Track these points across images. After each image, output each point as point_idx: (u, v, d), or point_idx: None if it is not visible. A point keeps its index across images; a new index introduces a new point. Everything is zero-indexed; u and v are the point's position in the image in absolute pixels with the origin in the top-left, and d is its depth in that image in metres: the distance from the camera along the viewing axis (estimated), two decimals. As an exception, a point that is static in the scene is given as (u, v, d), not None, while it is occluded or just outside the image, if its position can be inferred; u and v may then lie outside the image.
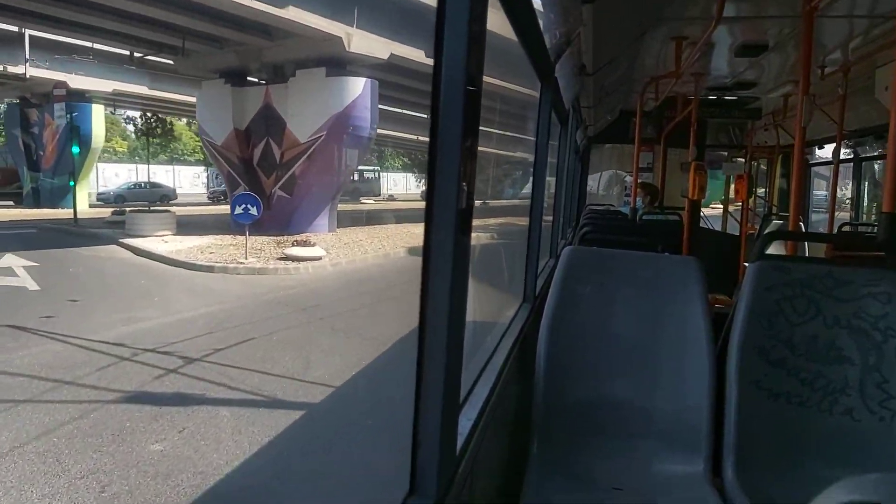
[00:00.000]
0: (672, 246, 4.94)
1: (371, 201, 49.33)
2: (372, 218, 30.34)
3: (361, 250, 20.22)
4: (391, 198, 56.14)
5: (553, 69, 2.99)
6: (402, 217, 29.16)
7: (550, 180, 4.61)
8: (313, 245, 18.54)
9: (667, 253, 3.24)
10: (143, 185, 42.91)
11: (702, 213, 8.41)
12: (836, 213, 6.28)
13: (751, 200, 9.20)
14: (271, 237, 21.20)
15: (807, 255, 5.41)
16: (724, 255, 6.76)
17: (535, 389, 2.54)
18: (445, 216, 1.22)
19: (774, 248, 2.98)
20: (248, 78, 25.59)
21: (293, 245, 18.47)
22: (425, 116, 34.14)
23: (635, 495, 2.28)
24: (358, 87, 23.52)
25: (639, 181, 6.80)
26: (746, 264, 2.57)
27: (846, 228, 6.91)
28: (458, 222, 1.22)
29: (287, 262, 17.31)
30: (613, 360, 2.59)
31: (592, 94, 4.71)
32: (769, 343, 2.40)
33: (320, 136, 23.14)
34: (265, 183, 24.41)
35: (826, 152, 7.96)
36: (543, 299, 2.73)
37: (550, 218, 5.15)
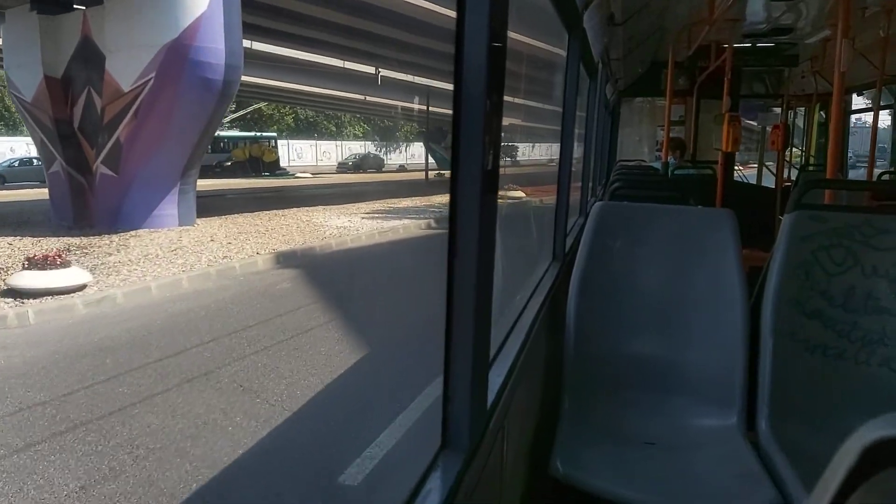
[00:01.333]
0: (705, 200, 4.86)
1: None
2: (283, 199, 23.48)
3: (197, 261, 12.11)
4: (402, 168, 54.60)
5: (580, 20, 2.92)
6: (338, 196, 24.19)
7: (580, 136, 4.55)
8: (67, 264, 10.13)
9: (699, 206, 3.19)
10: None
11: (736, 168, 8.24)
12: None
13: (787, 152, 8.98)
14: (87, 238, 14.38)
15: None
16: (759, 208, 6.63)
17: (565, 345, 2.55)
18: (471, 176, 1.21)
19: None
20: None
21: (28, 266, 9.95)
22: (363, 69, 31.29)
23: (668, 450, 2.29)
24: (201, -1, 15.22)
25: (670, 135, 6.67)
26: (782, 217, 2.52)
27: (886, 177, 6.72)
28: (484, 182, 1.21)
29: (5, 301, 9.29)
30: (644, 315, 2.58)
31: (622, 45, 4.60)
32: (805, 294, 2.36)
33: (148, 81, 15.18)
34: (89, 155, 16.55)
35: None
36: (573, 257, 2.72)
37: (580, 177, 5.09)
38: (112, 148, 15.96)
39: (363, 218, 18.34)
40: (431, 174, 37.58)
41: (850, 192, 5.26)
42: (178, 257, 12.36)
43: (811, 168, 8.48)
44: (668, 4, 4.56)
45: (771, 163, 9.86)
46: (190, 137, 16.04)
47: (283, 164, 48.67)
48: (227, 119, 47.99)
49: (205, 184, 30.08)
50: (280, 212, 19.15)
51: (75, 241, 13.98)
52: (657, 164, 7.24)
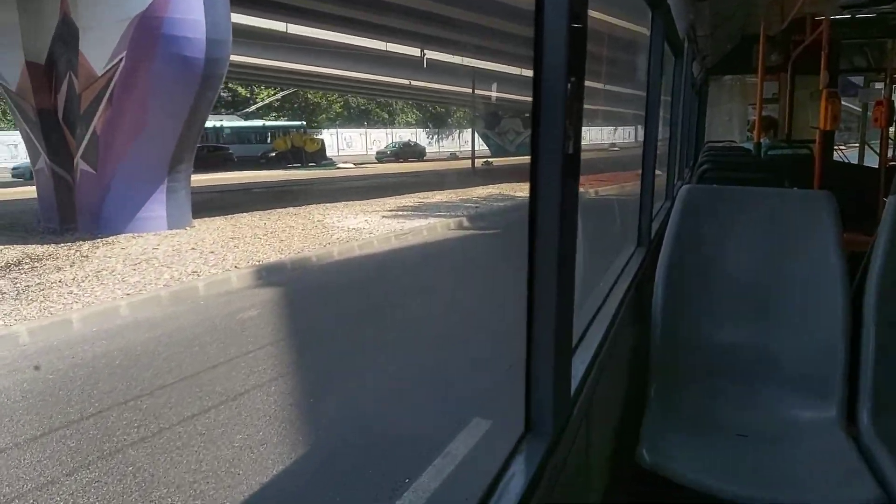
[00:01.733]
0: (801, 182, 4.63)
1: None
2: (307, 194, 21.62)
3: (157, 278, 9.74)
4: (454, 155, 53.01)
5: None
6: (369, 189, 22.70)
7: (665, 117, 4.41)
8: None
9: (794, 188, 3.05)
10: None
11: (837, 147, 7.79)
12: None
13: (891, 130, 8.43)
14: (56, 246, 12.47)
15: None
16: (861, 190, 6.25)
17: (651, 333, 2.49)
18: (551, 161, 1.20)
19: None
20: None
21: None
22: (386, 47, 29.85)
23: (761, 442, 2.20)
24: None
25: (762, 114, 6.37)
26: (887, 199, 2.37)
27: None
28: (565, 167, 1.20)
29: None
30: (736, 302, 2.48)
31: (709, 20, 4.42)
32: None
33: (119, 61, 13.25)
34: (72, 149, 14.57)
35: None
36: (659, 243, 2.65)
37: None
38: (90, 140, 13.84)
39: (384, 217, 15.83)
40: (479, 162, 35.98)
41: None
42: (138, 273, 9.98)
43: None
44: None
45: (875, 141, 9.29)
46: (173, 126, 13.89)
47: (332, 153, 48.04)
48: (255, 107, 48.54)
49: (238, 176, 30.28)
50: (295, 209, 16.95)
51: (41, 249, 11.95)
52: (748, 145, 6.93)
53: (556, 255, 1.22)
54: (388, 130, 57.05)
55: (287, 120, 48.86)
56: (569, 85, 1.18)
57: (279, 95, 49.38)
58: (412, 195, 20.28)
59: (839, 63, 7.16)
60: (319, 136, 46.26)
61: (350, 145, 52.67)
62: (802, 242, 2.42)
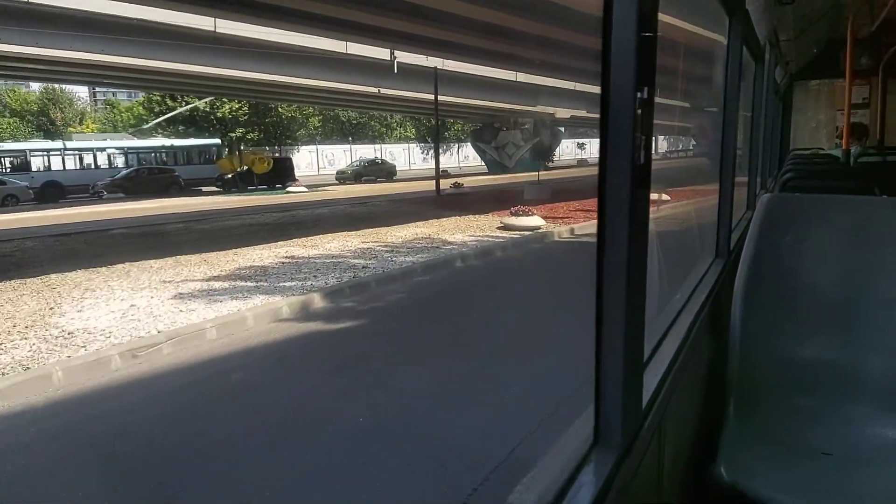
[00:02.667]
0: (894, 190, 4.40)
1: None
2: (177, 236, 16.98)
3: None
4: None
5: (743, 1, 2.76)
6: (274, 228, 17.55)
7: (746, 124, 4.29)
8: None
9: (884, 196, 2.90)
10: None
11: None
12: None
13: None
14: None
15: None
16: None
17: (730, 348, 2.42)
18: (620, 172, 1.19)
19: None
20: None
21: None
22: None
23: (848, 462, 2.10)
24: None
25: (850, 120, 6.10)
26: None
27: None
28: (635, 177, 1.19)
29: None
30: (820, 316, 2.38)
31: (792, 24, 4.28)
32: None
33: None
34: None
35: None
36: (738, 254, 2.58)
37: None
38: None
39: (183, 296, 8.96)
40: (449, 183, 29.88)
41: None
42: None
43: None
44: None
45: None
46: None
47: (311, 172, 44.01)
48: (153, 123, 42.72)
49: (132, 208, 23.80)
50: (44, 279, 10.75)
51: None
52: (837, 152, 6.65)
53: (625, 266, 1.21)
54: (378, 146, 52.34)
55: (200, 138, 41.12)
56: (639, 95, 1.17)
57: (187, 108, 42.76)
58: (307, 238, 14.86)
59: None
60: (269, 155, 39.00)
61: (332, 163, 48.07)
62: (892, 254, 2.31)
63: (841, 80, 6.69)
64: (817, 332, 2.38)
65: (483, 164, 46.61)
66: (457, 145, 56.97)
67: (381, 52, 25.84)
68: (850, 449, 2.14)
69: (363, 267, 11.05)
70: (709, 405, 2.43)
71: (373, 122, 55.44)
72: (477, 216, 18.26)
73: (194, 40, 22.24)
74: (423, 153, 54.82)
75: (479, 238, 14.47)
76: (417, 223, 17.44)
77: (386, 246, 13.55)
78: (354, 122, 54.42)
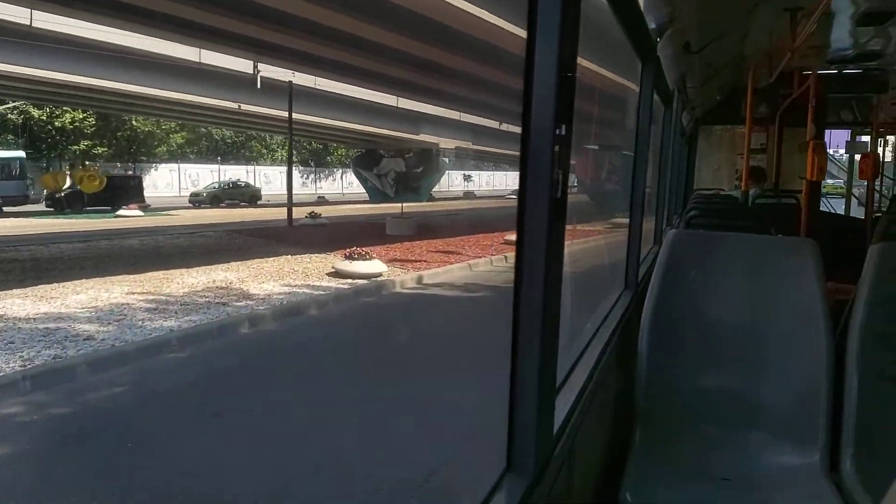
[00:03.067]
0: (788, 231, 4.69)
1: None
2: None
3: None
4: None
5: (655, 48, 2.91)
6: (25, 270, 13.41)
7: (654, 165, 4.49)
8: None
9: (780, 235, 3.10)
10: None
11: (823, 197, 7.92)
12: None
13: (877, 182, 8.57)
14: None
15: None
16: (847, 239, 6.34)
17: (637, 376, 2.51)
18: (539, 205, 1.23)
19: None
20: None
21: None
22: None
23: (744, 487, 2.21)
24: None
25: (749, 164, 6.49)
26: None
27: None
28: (552, 211, 1.23)
29: None
30: (721, 347, 2.51)
31: (698, 72, 4.53)
32: (893, 329, 2.26)
33: None
34: None
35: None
36: (646, 287, 2.68)
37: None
38: None
39: None
40: (303, 212, 26.08)
41: None
42: None
43: None
44: (748, 32, 4.47)
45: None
46: None
47: (171, 193, 39.27)
48: None
49: None
50: None
51: None
52: (737, 194, 7.05)
53: (541, 295, 1.25)
54: (251, 167, 47.88)
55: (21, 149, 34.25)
56: (557, 132, 1.22)
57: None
58: (51, 285, 11.42)
59: (826, 116, 7.32)
60: (100, 172, 33.65)
61: (196, 184, 42.89)
62: (786, 289, 2.46)
63: (741, 127, 7.11)
64: (717, 363, 2.51)
65: (364, 191, 42.91)
66: (341, 171, 53.51)
67: (242, 65, 22.95)
68: (747, 474, 2.25)
69: (88, 338, 7.78)
70: (617, 432, 2.50)
71: (252, 143, 51.25)
72: (315, 256, 15.69)
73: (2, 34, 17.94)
74: (302, 177, 51.02)
75: (294, 289, 11.82)
76: (231, 264, 14.17)
77: (154, 301, 10.29)
78: (230, 140, 49.84)
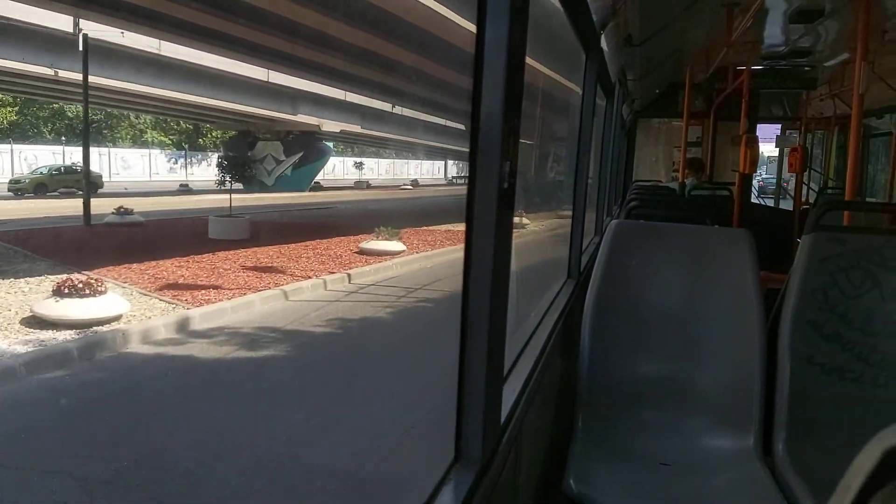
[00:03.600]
0: (722, 221, 4.84)
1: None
2: None
3: None
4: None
5: (598, 40, 2.94)
6: None
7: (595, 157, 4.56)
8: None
9: (716, 226, 3.19)
10: None
11: (753, 190, 8.21)
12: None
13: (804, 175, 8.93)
14: None
15: None
16: (776, 230, 6.58)
17: (579, 364, 2.55)
18: (487, 195, 1.23)
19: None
20: None
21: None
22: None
23: (683, 471, 2.27)
24: None
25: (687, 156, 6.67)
26: (800, 240, 2.51)
27: None
28: (501, 201, 1.23)
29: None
30: (660, 334, 2.57)
31: (639, 66, 4.62)
32: (823, 317, 2.35)
33: None
34: None
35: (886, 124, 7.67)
36: (588, 276, 2.72)
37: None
38: None
39: None
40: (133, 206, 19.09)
41: (869, 215, 5.22)
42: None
43: (829, 191, 8.43)
44: (687, 27, 4.58)
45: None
46: None
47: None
48: None
49: None
50: None
51: None
52: (674, 185, 7.24)
53: (489, 285, 1.24)
54: (107, 149, 39.38)
55: None
56: (505, 122, 1.21)
57: None
58: None
59: (759, 111, 7.58)
60: None
61: (33, 167, 34.54)
62: (722, 278, 2.53)
63: (678, 120, 7.30)
64: (656, 349, 2.56)
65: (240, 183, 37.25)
66: (217, 155, 44.78)
67: (56, 20, 17.98)
68: (685, 459, 2.31)
69: None
70: (562, 419, 2.53)
71: (113, 121, 43.71)
72: (55, 278, 9.51)
73: None
74: (170, 162, 43.00)
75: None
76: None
77: None
78: (92, 119, 37.93)
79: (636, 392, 2.53)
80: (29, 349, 7.36)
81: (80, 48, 17.73)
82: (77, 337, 7.80)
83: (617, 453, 2.34)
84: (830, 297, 2.35)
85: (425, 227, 19.24)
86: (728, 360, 2.46)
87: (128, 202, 19.36)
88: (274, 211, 22.82)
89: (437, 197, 38.66)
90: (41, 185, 31.01)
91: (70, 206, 21.34)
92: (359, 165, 53.97)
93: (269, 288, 10.93)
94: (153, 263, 11.27)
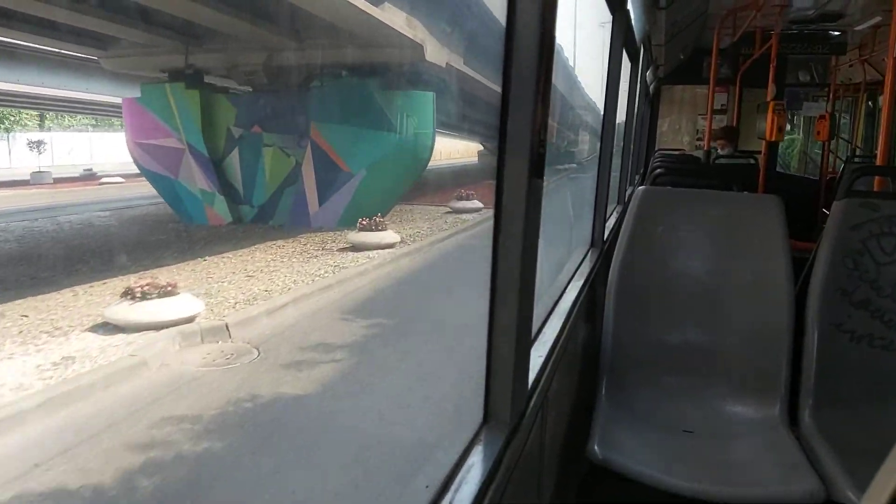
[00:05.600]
0: (748, 189, 4.79)
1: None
2: None
3: None
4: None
5: (625, 1, 2.89)
6: None
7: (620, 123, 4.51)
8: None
9: (744, 192, 3.15)
10: None
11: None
12: None
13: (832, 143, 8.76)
14: None
15: None
16: (802, 199, 6.50)
17: (604, 330, 2.55)
18: (518, 161, 1.23)
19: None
20: None
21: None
22: None
23: (707, 438, 2.27)
24: None
25: (714, 124, 6.57)
26: (825, 210, 2.48)
27: None
28: (531, 167, 1.23)
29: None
30: (685, 301, 2.56)
31: (664, 30, 4.53)
32: (853, 284, 2.33)
33: None
34: None
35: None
36: (613, 244, 2.71)
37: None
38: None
39: None
40: None
41: None
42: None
43: (857, 159, 8.27)
44: None
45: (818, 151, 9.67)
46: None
47: None
48: None
49: None
50: None
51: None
52: (699, 154, 7.15)
53: (519, 250, 1.24)
54: None
55: None
56: (537, 89, 1.21)
57: None
58: None
59: (786, 77, 7.42)
60: None
61: None
62: (751, 244, 2.51)
63: (702, 87, 7.17)
64: (682, 317, 2.56)
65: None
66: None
67: None
68: (709, 426, 2.32)
69: None
70: (586, 385, 2.55)
71: None
72: None
73: None
74: None
75: None
76: None
77: None
78: None
79: (660, 359, 2.54)
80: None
81: None
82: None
83: (641, 419, 2.35)
84: (861, 265, 2.32)
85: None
86: (755, 327, 2.45)
87: None
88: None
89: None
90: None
91: None
92: (36, 145, 32.07)
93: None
94: None
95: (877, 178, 3.29)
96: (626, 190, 5.17)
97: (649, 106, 7.87)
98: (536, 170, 1.25)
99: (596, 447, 2.03)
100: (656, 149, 8.98)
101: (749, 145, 7.57)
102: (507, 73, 1.21)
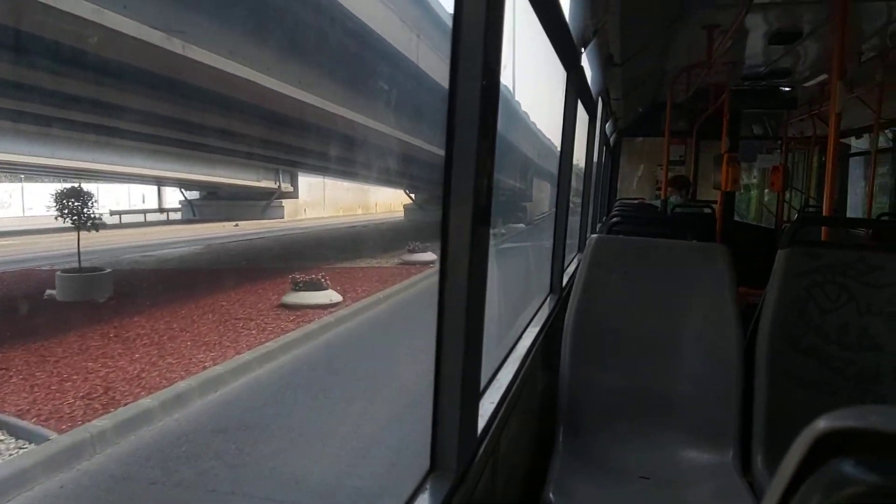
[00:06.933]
0: (704, 238, 4.90)
1: None
2: None
3: None
4: None
5: (579, 58, 2.99)
6: None
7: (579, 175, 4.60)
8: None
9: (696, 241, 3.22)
10: None
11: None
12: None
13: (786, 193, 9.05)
14: None
15: None
16: (758, 247, 6.66)
17: (560, 377, 2.56)
18: (463, 211, 1.24)
19: None
20: None
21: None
22: None
23: (662, 485, 2.28)
24: None
25: (670, 175, 6.75)
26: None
27: (884, 218, 6.77)
28: (476, 216, 1.25)
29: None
30: (639, 348, 2.59)
31: (621, 85, 4.68)
32: (799, 331, 2.38)
33: None
34: None
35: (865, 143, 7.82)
36: (570, 290, 2.75)
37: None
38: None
39: None
40: None
41: (852, 232, 5.30)
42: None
43: (810, 209, 8.55)
44: (667, 47, 4.65)
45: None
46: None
47: None
48: None
49: None
50: None
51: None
52: (657, 202, 7.32)
53: (465, 298, 1.26)
54: None
55: None
56: (481, 139, 1.24)
57: None
58: None
59: (740, 130, 7.69)
60: None
61: None
62: (700, 292, 2.56)
63: (661, 139, 7.39)
64: (636, 363, 2.58)
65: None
66: None
67: None
68: (665, 473, 2.33)
69: None
70: (543, 432, 2.54)
71: None
72: None
73: None
74: None
75: None
76: None
77: None
78: None
79: (616, 405, 2.55)
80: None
81: None
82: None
83: (597, 466, 2.35)
84: (806, 312, 2.38)
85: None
86: (706, 374, 2.48)
87: None
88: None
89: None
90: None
91: None
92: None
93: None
94: None
95: (824, 228, 3.40)
96: (585, 238, 5.25)
97: (610, 157, 8.06)
98: (482, 218, 1.27)
99: (551, 494, 2.02)
100: (617, 198, 9.16)
101: (707, 195, 7.78)
102: (450, 120, 1.23)
